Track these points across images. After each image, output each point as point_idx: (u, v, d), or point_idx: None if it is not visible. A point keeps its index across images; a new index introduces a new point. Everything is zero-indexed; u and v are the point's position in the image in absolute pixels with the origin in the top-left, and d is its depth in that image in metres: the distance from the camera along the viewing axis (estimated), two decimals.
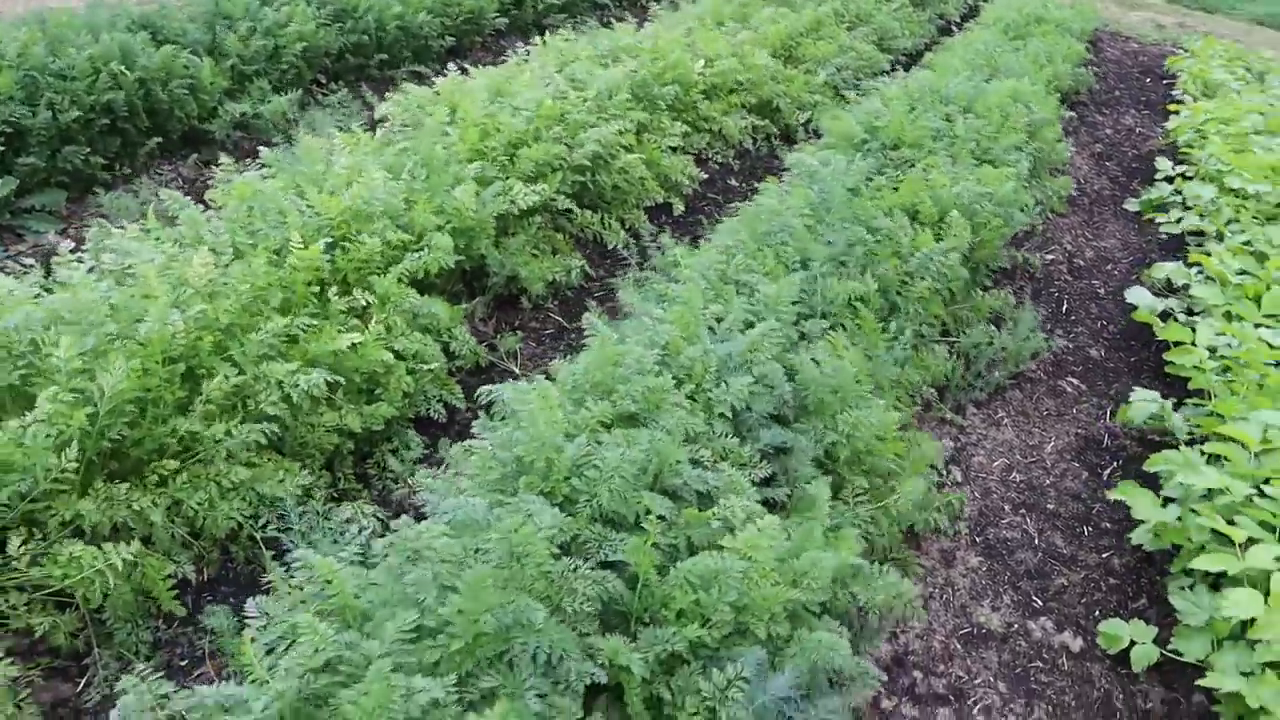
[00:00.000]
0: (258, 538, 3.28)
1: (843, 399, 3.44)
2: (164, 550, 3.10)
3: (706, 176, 6.35)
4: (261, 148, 4.66)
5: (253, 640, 2.24)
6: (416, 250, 4.05)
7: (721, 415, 3.23)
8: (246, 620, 2.90)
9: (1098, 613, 3.84)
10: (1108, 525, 4.26)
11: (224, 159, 4.51)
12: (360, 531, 2.99)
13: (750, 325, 3.65)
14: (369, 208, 4.10)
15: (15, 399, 3.03)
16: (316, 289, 3.76)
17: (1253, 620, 3.20)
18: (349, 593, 2.38)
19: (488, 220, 4.41)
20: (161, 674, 2.32)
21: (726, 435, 3.17)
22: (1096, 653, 3.66)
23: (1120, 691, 3.54)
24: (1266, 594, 3.22)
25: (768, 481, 3.18)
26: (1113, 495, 4.01)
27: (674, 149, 6.05)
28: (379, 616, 2.35)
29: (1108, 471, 4.58)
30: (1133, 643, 3.59)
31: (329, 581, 2.38)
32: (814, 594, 2.69)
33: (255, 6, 6.45)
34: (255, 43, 6.23)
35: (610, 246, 5.39)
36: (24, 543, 2.82)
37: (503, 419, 3.18)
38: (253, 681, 2.19)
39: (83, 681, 2.92)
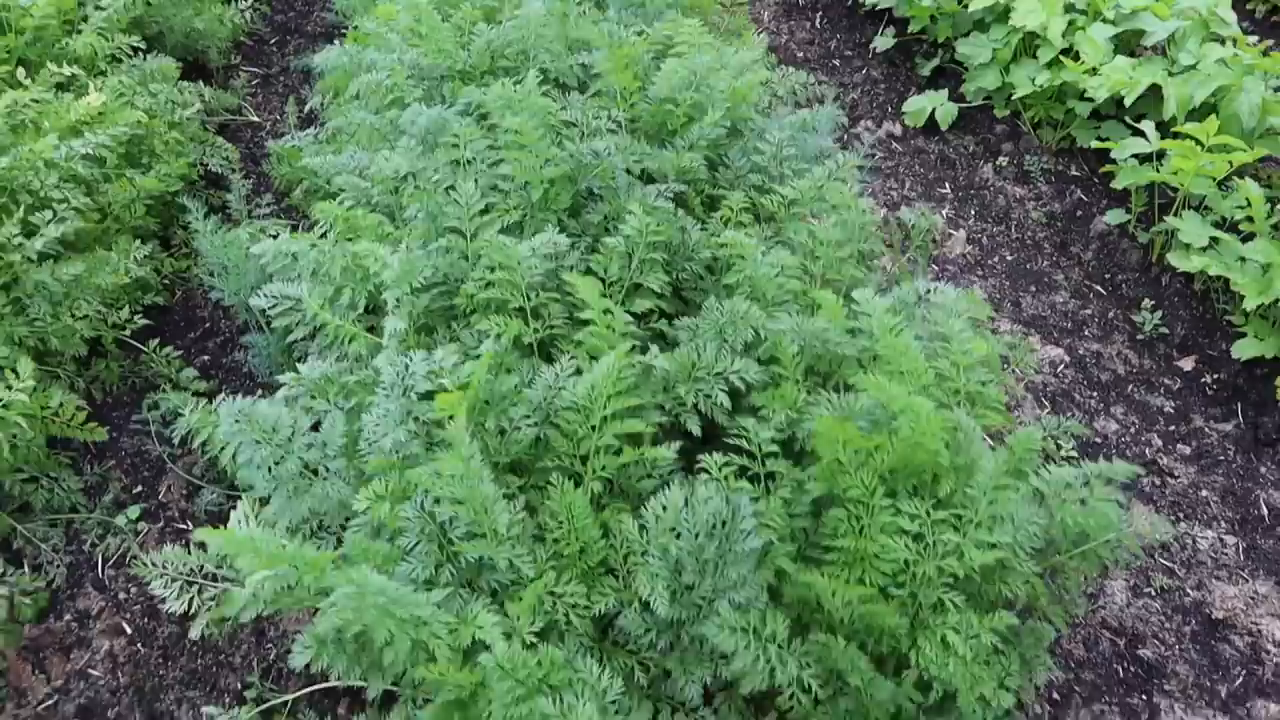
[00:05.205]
0: (124, 338, 2.63)
1: None
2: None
3: None
4: None
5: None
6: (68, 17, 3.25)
7: None
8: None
9: (889, 108, 4.22)
10: (849, 52, 4.63)
11: None
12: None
13: None
14: None
15: None
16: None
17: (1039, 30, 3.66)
18: (377, 220, 1.99)
19: None
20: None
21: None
22: (912, 130, 4.06)
23: (946, 148, 3.98)
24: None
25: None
26: None
27: None
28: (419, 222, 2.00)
29: (819, 20, 4.92)
30: (934, 110, 4.01)
31: (347, 220, 1.97)
32: (762, 79, 2.68)
33: None
34: None
35: None
36: None
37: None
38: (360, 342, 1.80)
39: (26, 565, 2.26)
